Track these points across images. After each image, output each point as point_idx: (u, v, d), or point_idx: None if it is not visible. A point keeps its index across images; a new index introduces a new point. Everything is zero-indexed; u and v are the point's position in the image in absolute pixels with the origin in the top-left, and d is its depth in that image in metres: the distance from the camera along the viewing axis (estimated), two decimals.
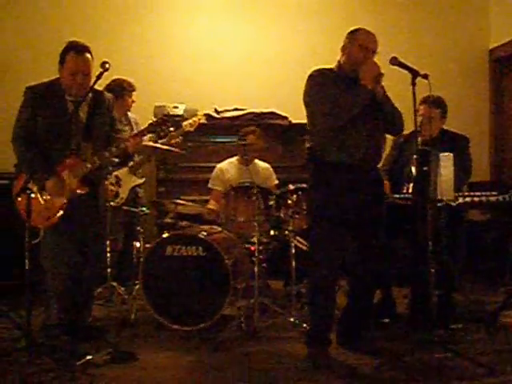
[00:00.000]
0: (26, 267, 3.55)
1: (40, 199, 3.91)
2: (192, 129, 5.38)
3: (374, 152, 3.92)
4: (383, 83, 3.80)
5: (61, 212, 3.91)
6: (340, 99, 3.72)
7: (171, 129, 4.28)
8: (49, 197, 3.93)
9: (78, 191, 3.94)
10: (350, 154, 3.80)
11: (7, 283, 5.01)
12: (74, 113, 3.90)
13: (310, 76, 3.89)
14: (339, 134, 3.78)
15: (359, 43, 3.82)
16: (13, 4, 6.53)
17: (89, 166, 3.94)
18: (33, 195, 3.76)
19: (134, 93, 5.44)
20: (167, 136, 5.29)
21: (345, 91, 3.75)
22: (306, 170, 4.06)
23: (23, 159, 3.95)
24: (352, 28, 3.93)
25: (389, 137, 4.24)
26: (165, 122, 4.16)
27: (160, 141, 5.37)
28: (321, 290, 3.89)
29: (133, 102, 5.46)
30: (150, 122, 4.23)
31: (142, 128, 4.26)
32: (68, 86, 3.94)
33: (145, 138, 5.18)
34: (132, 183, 5.40)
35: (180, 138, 5.33)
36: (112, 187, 5.09)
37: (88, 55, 3.93)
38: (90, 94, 4.00)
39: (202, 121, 5.50)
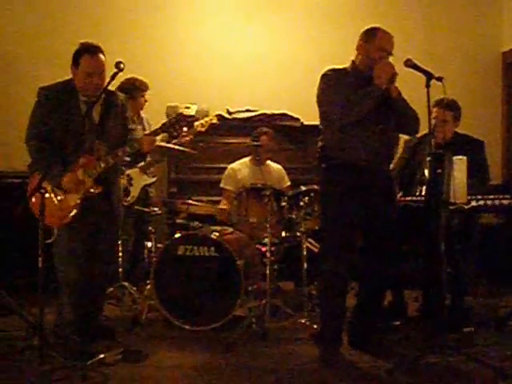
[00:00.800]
0: (39, 266, 3.56)
1: (54, 199, 3.93)
2: (203, 129, 5.37)
3: (386, 152, 3.93)
4: (397, 84, 3.81)
5: (74, 211, 3.92)
6: (352, 96, 3.72)
7: (184, 129, 4.27)
8: (63, 196, 3.94)
9: (92, 190, 3.95)
10: (361, 153, 3.80)
11: (20, 282, 5.03)
12: (88, 113, 3.92)
13: (324, 75, 3.90)
14: (351, 133, 3.79)
15: (378, 45, 3.81)
16: (25, 5, 6.55)
17: (102, 165, 3.95)
18: (47, 195, 3.79)
19: (146, 92, 5.45)
20: (179, 136, 5.31)
21: (359, 90, 3.75)
22: (317, 169, 4.05)
23: (37, 159, 3.96)
24: (368, 27, 3.92)
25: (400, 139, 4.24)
26: (178, 121, 4.15)
27: (172, 141, 5.39)
28: (332, 291, 3.89)
29: (145, 101, 5.47)
30: (164, 121, 4.23)
31: (156, 127, 4.25)
32: (83, 88, 3.96)
33: (157, 137, 5.20)
34: (143, 182, 5.42)
35: (191, 137, 5.33)
36: (123, 181, 5.08)
37: (101, 55, 3.95)
38: (103, 95, 4.01)
39: (213, 121, 5.49)
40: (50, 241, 3.91)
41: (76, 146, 3.93)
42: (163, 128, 4.18)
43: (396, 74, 3.71)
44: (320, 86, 3.89)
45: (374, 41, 3.83)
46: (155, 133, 4.22)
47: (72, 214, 3.92)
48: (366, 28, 3.93)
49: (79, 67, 3.94)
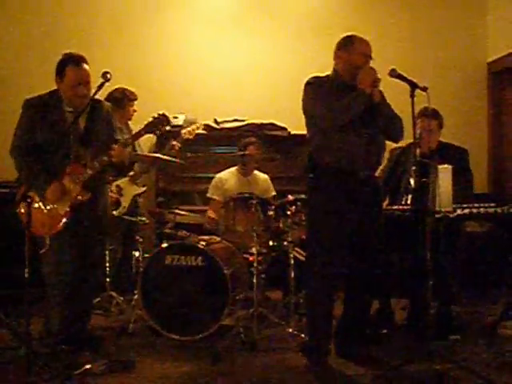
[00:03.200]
0: (26, 276, 3.56)
1: (43, 208, 3.92)
2: (191, 137, 5.39)
3: (373, 159, 3.94)
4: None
5: (65, 220, 3.92)
6: (338, 102, 3.75)
7: (167, 128, 4.27)
8: (52, 205, 3.93)
9: (80, 197, 3.95)
10: (348, 159, 3.82)
11: (7, 292, 5.00)
12: (73, 124, 3.91)
13: (307, 83, 3.94)
14: (337, 140, 3.82)
15: (358, 51, 3.86)
16: (11, 15, 6.54)
17: (89, 171, 3.96)
18: (36, 205, 3.81)
19: (135, 102, 5.46)
20: (167, 145, 5.33)
21: (342, 96, 3.78)
22: (305, 177, 4.07)
23: (22, 170, 3.96)
24: (343, 35, 3.97)
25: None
26: (161, 120, 4.16)
27: (161, 151, 5.40)
28: (318, 300, 3.91)
29: (134, 111, 5.48)
30: (147, 121, 4.22)
31: (140, 128, 4.23)
32: (70, 98, 3.97)
33: (142, 146, 5.22)
34: (133, 192, 5.41)
35: (179, 145, 5.33)
36: (112, 194, 5.08)
37: (86, 65, 3.97)
38: (89, 103, 4.02)
39: (200, 129, 5.51)
40: (43, 251, 3.90)
41: (62, 155, 3.94)
42: (146, 128, 4.18)
43: (379, 79, 3.76)
44: (304, 93, 3.93)
45: (352, 48, 3.89)
46: (139, 134, 4.22)
47: (63, 222, 3.92)
48: (341, 37, 3.98)
49: (65, 78, 3.95)
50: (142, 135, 4.26)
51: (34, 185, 3.83)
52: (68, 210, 3.93)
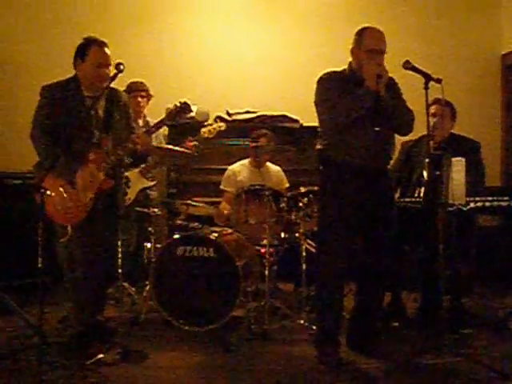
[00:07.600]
0: (39, 266, 3.57)
1: (65, 196, 3.89)
2: (211, 135, 5.33)
3: (384, 153, 3.93)
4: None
5: (89, 207, 3.91)
6: (341, 100, 3.73)
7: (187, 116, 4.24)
8: (74, 192, 3.90)
9: (104, 185, 3.96)
10: (358, 154, 3.81)
11: (21, 281, 5.04)
12: (93, 107, 3.91)
13: (320, 78, 3.92)
14: (349, 134, 3.80)
15: (365, 46, 3.80)
16: (25, 5, 6.56)
17: (113, 158, 3.95)
18: (64, 194, 3.80)
19: (140, 92, 5.44)
20: (184, 142, 5.31)
21: (351, 93, 3.76)
22: (316, 171, 4.06)
23: (46, 154, 3.88)
24: (359, 28, 3.91)
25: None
26: (183, 109, 4.14)
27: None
28: (328, 292, 3.90)
29: (139, 102, 5.45)
30: (168, 110, 4.20)
31: (161, 117, 4.21)
32: (92, 79, 3.95)
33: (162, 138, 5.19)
34: (141, 185, 5.39)
35: (196, 143, 5.31)
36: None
37: (107, 49, 3.99)
38: (106, 91, 4.03)
39: (222, 128, 5.41)
40: (64, 239, 3.89)
41: (84, 141, 3.93)
42: (169, 117, 4.17)
43: (385, 73, 3.71)
44: (317, 89, 3.91)
45: (361, 43, 3.83)
46: (161, 123, 4.21)
47: (87, 210, 3.91)
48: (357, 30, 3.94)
49: (87, 59, 3.95)
50: (165, 124, 4.26)
51: (60, 169, 3.81)
52: (92, 197, 3.91)
